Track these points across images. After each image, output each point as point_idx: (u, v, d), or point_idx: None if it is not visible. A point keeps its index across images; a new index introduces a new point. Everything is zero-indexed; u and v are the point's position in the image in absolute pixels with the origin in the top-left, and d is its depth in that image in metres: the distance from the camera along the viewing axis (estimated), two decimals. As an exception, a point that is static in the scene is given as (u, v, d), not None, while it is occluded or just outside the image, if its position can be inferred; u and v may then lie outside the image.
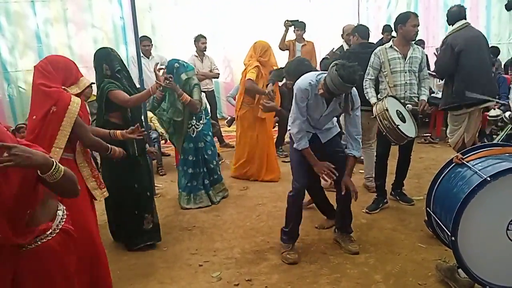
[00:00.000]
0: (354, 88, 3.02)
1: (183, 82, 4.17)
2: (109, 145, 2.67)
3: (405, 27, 3.85)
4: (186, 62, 4.40)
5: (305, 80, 3.07)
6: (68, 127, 2.36)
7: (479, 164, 2.15)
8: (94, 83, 2.85)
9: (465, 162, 2.23)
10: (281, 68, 4.74)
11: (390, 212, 4.06)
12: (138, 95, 3.40)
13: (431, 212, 2.46)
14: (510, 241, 2.03)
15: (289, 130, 3.29)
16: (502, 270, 2.11)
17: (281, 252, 3.29)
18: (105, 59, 3.38)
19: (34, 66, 2.50)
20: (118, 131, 2.89)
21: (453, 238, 2.03)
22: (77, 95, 2.51)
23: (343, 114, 3.31)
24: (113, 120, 3.40)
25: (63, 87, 2.46)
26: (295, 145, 3.19)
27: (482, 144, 2.35)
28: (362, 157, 4.52)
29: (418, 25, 3.88)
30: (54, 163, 1.54)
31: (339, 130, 3.53)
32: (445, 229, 2.14)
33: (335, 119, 3.46)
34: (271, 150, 5.20)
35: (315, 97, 3.06)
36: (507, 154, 2.15)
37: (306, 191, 3.48)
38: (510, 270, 2.11)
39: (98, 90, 3.39)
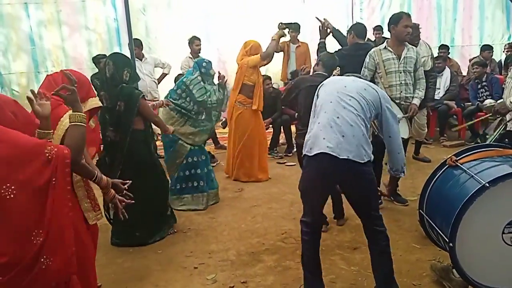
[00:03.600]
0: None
1: (213, 77, 4.39)
2: (96, 172, 2.35)
3: (397, 28, 3.88)
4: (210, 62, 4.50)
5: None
6: (57, 140, 2.23)
7: (475, 167, 2.14)
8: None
9: (459, 165, 2.23)
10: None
11: (384, 213, 3.98)
12: (161, 122, 3.83)
13: (424, 214, 2.47)
14: (505, 245, 2.04)
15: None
16: (497, 273, 2.12)
17: None
18: (128, 65, 3.49)
19: (47, 75, 2.52)
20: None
21: (451, 245, 2.03)
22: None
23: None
24: (137, 127, 3.52)
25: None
26: None
27: (476, 145, 2.35)
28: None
29: (411, 26, 3.90)
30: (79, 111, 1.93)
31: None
32: (442, 233, 2.14)
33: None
34: (262, 150, 5.26)
35: None
36: (503, 157, 2.15)
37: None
38: (505, 273, 2.11)
39: (117, 95, 3.40)
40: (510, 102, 2.88)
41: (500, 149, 2.23)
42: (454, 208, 2.01)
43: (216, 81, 4.49)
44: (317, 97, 2.72)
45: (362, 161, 2.43)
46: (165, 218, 3.80)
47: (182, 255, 3.44)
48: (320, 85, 2.79)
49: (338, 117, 2.49)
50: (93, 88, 2.63)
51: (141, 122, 3.57)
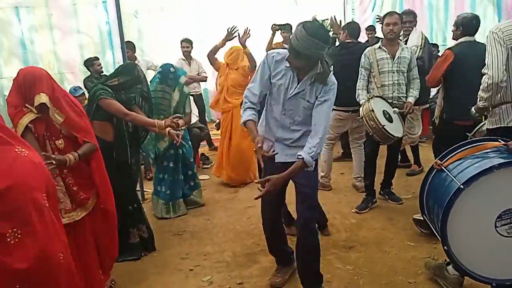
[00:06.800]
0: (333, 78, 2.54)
1: (182, 85, 4.13)
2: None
3: (382, 27, 3.94)
4: (179, 68, 4.33)
5: (276, 50, 2.60)
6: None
7: (456, 168, 2.18)
8: (45, 103, 2.44)
9: (443, 168, 2.26)
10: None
11: (379, 212, 4.09)
12: (139, 118, 3.28)
13: (428, 220, 2.48)
14: (501, 237, 2.06)
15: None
16: (501, 265, 2.12)
17: None
18: (120, 74, 3.35)
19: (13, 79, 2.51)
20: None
21: (445, 248, 2.05)
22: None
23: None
24: (101, 136, 3.09)
25: (26, 105, 2.45)
26: (241, 120, 2.62)
27: (458, 144, 2.37)
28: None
29: (395, 24, 3.88)
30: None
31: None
32: (439, 238, 2.16)
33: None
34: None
35: (284, 71, 2.51)
36: (482, 152, 2.17)
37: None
38: (510, 263, 2.12)
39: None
40: (479, 100, 2.91)
41: (481, 144, 2.25)
42: (440, 212, 2.05)
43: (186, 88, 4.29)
44: None
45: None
46: (125, 244, 3.32)
47: (178, 257, 3.43)
48: None
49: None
50: (43, 83, 2.45)
51: (109, 131, 3.23)
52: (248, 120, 2.53)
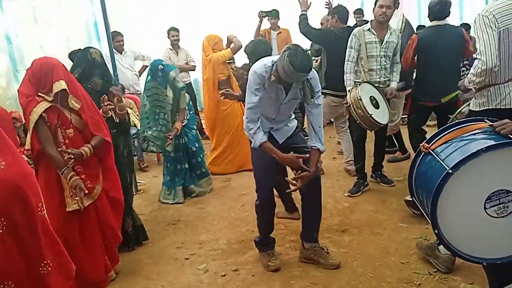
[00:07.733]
0: (314, 72, 2.69)
1: (172, 82, 4.10)
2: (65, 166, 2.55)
3: (374, 8, 3.86)
4: (168, 64, 4.35)
5: (261, 64, 2.66)
6: (31, 125, 2.50)
7: (444, 151, 2.17)
8: (65, 89, 2.57)
9: (431, 151, 2.27)
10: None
11: (371, 194, 4.13)
12: None
13: (417, 202, 2.51)
14: (490, 217, 2.08)
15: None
16: (491, 244, 2.16)
17: (262, 261, 3.07)
18: (78, 65, 3.17)
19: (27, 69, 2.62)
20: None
21: (436, 231, 2.08)
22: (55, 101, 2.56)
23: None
24: None
25: (39, 93, 2.53)
26: (252, 145, 2.79)
27: (446, 126, 2.37)
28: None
29: (388, 6, 3.78)
30: None
31: (297, 124, 3.11)
32: (429, 221, 2.19)
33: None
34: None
35: (272, 84, 2.64)
36: (469, 133, 2.18)
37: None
38: (499, 242, 2.16)
39: None
40: (468, 82, 2.89)
41: (467, 125, 2.26)
42: (430, 197, 2.06)
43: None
44: None
45: None
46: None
47: (173, 247, 3.45)
48: None
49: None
50: (60, 71, 2.56)
51: None
52: (264, 142, 2.72)
